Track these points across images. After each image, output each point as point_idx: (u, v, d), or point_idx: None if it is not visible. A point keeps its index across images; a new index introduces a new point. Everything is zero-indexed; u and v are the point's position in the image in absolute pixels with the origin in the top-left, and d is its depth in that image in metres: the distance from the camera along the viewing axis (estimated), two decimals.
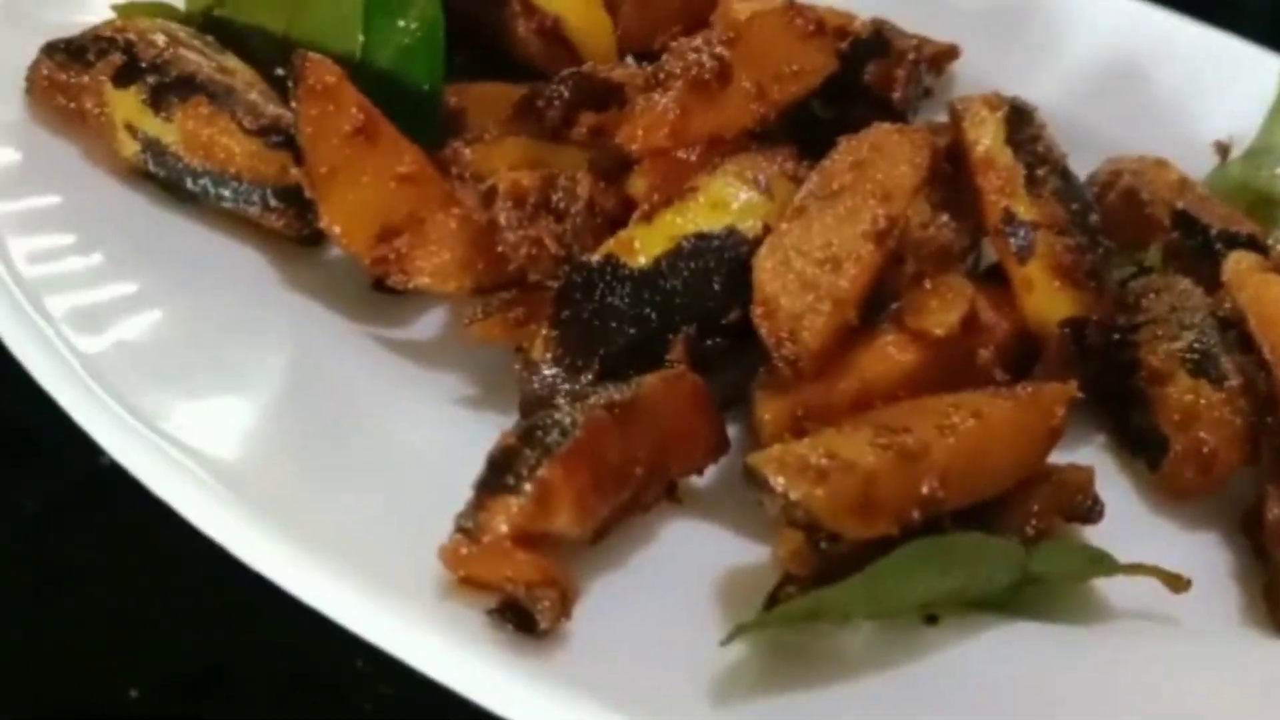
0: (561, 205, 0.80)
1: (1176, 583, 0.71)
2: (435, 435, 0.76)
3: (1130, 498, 0.82)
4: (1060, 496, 0.76)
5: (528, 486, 0.63)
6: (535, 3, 0.94)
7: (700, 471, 0.74)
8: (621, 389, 0.70)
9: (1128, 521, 0.79)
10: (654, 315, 0.76)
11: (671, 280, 0.77)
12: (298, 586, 0.62)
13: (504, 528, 0.62)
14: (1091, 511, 0.76)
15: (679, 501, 0.74)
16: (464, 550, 0.63)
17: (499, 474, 0.64)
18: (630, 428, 0.68)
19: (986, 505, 0.74)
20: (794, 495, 0.66)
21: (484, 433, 0.68)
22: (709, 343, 0.77)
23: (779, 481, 0.66)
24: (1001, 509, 0.74)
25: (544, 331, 0.75)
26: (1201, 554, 0.79)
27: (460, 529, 0.63)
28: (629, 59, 0.98)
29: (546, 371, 0.75)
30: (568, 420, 0.66)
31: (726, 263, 0.77)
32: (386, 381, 0.79)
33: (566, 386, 0.74)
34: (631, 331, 0.76)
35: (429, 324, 0.84)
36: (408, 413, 0.77)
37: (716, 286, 0.77)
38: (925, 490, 0.69)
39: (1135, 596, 0.73)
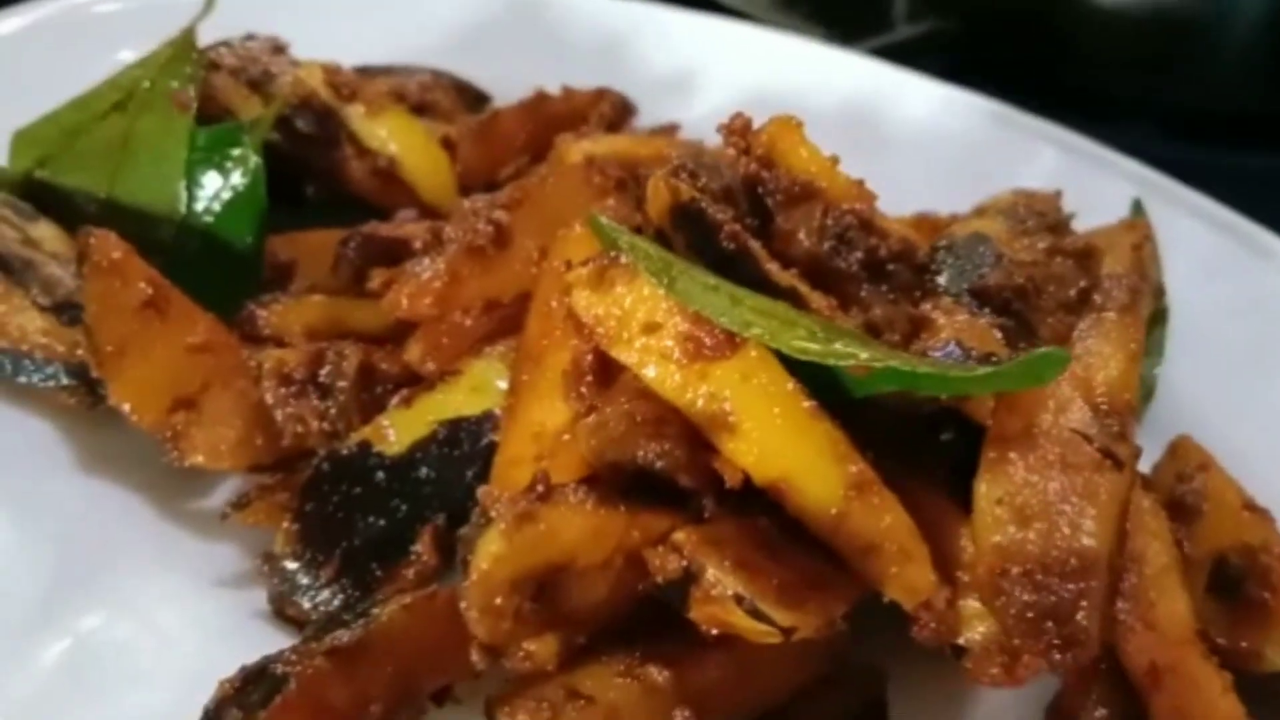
0: (327, 381, 0.79)
1: None
2: (206, 634, 0.73)
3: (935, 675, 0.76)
4: (842, 707, 0.71)
5: None
6: (368, 145, 0.93)
7: (476, 676, 0.70)
8: (353, 626, 0.67)
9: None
10: (402, 505, 0.74)
11: (424, 468, 0.74)
12: None
13: None
14: None
15: (457, 701, 0.70)
16: None
17: None
18: (361, 668, 0.66)
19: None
20: None
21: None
22: (460, 533, 0.74)
23: None
24: None
25: (285, 524, 0.74)
26: None
27: None
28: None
29: (287, 566, 0.73)
30: (280, 672, 0.64)
31: (481, 450, 0.74)
32: (165, 574, 0.76)
33: (305, 582, 0.73)
34: (377, 523, 0.74)
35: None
36: (186, 614, 0.74)
37: (469, 474, 0.74)
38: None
39: None
